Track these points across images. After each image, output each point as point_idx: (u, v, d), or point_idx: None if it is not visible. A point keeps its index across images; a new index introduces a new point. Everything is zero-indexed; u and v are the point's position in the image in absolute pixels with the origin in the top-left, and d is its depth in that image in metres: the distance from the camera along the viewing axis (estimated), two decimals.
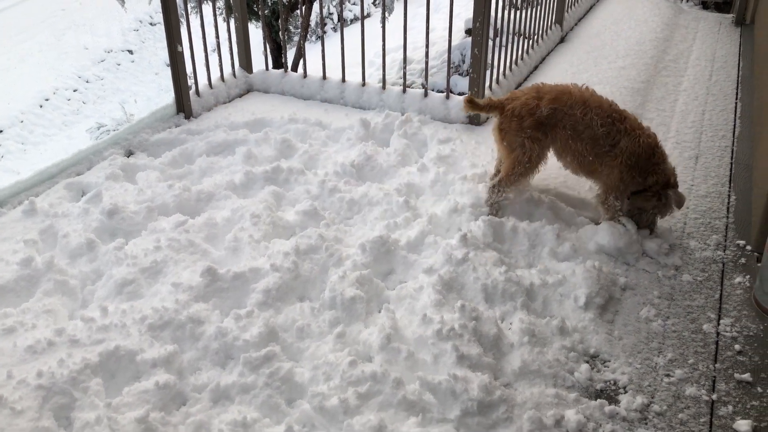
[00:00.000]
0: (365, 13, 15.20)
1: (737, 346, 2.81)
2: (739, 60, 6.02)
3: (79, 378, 2.54)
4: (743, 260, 3.34)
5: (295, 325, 2.85)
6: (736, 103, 5.13)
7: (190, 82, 4.98)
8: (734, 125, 4.76)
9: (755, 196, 3.62)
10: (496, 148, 3.67)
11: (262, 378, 2.58)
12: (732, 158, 4.29)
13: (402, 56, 4.98)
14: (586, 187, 3.79)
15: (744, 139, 4.52)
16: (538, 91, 3.46)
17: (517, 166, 3.45)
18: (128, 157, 4.33)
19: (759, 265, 3.13)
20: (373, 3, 14.98)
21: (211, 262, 3.18)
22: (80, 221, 3.56)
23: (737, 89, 5.39)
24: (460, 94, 4.97)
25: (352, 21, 15.64)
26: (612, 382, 2.66)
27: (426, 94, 4.84)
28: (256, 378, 2.59)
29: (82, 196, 3.87)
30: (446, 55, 4.92)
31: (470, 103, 3.56)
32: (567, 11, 6.55)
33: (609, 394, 2.62)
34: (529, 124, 3.38)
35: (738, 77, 5.63)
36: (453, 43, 4.86)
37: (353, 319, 2.88)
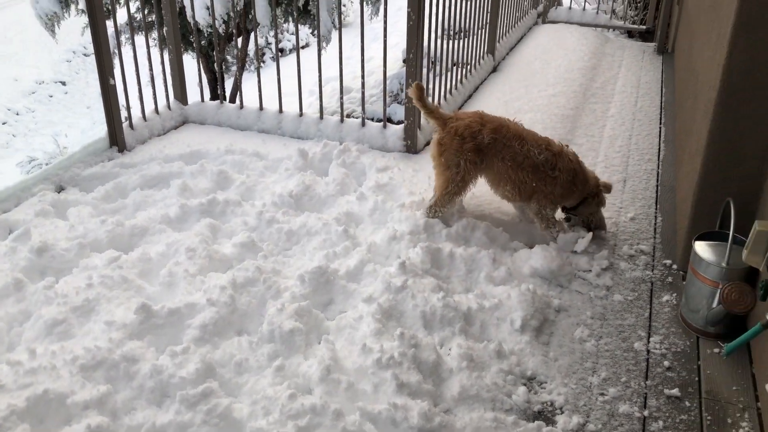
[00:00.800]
0: (303, 43, 15.32)
1: (666, 363, 2.91)
2: (661, 86, 6.32)
3: (4, 426, 2.43)
4: (670, 279, 3.47)
5: (233, 360, 2.81)
6: (660, 127, 5.37)
7: (124, 114, 4.89)
8: (659, 149, 4.97)
9: (679, 217, 3.78)
10: (433, 164, 3.74)
11: (199, 415, 2.52)
12: (658, 181, 4.48)
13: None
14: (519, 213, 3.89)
15: (668, 162, 4.72)
16: (482, 118, 3.61)
17: (450, 184, 3.60)
18: (59, 192, 4.21)
19: (684, 283, 3.27)
20: (312, 33, 15.05)
21: (146, 299, 3.11)
22: (7, 260, 3.42)
23: (661, 114, 5.65)
24: (398, 122, 5.04)
25: (290, 50, 15.70)
26: (549, 403, 2.71)
27: (363, 124, 4.90)
28: (194, 415, 2.53)
29: (9, 234, 3.73)
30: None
31: (419, 90, 3.65)
32: (499, 41, 6.76)
33: (546, 415, 2.66)
34: (470, 147, 3.52)
35: (661, 103, 5.90)
36: (391, 72, 4.95)
37: (292, 352, 2.86)
